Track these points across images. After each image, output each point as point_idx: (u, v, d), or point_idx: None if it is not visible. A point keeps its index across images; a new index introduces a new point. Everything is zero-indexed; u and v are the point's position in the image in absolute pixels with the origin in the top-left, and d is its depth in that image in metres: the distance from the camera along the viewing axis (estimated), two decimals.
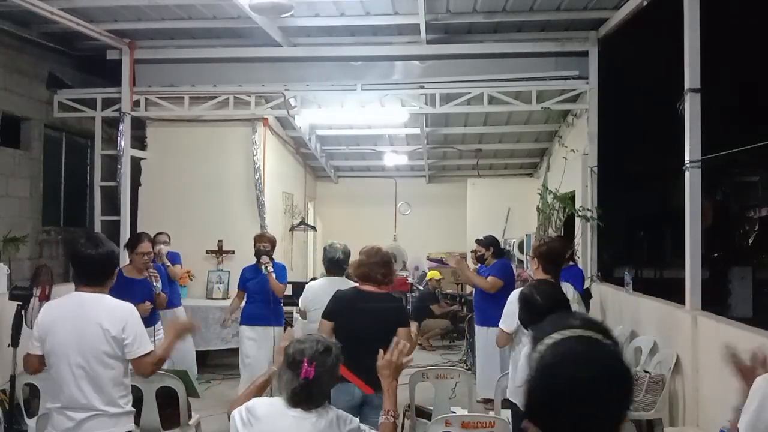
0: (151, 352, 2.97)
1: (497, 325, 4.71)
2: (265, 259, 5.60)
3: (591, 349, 1.26)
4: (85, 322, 2.88)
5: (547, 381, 1.25)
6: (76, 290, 3.00)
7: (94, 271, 2.97)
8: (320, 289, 4.78)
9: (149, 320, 5.09)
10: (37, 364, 2.96)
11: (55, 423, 2.90)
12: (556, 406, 1.23)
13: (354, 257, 4.21)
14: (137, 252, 5.05)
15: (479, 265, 6.54)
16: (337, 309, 3.65)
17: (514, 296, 3.85)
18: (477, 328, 6.22)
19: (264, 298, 5.61)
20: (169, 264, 6.27)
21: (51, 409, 2.92)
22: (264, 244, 5.75)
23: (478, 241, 6.52)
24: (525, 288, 3.23)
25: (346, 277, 4.75)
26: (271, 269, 5.58)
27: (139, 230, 8.03)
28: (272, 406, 2.38)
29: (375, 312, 3.53)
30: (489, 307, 5.83)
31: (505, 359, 5.71)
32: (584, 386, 1.22)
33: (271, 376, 2.68)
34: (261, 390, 2.67)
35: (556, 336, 1.28)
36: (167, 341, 3.15)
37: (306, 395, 2.33)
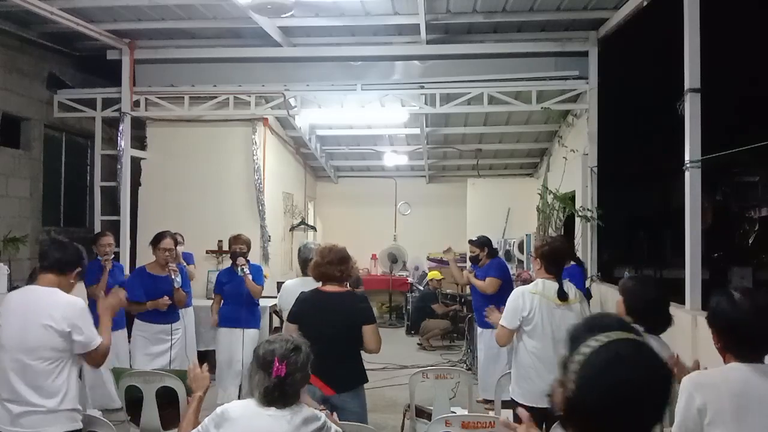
0: (100, 344, 3.04)
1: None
2: (241, 260, 5.60)
3: (638, 352, 1.28)
4: (33, 316, 2.93)
5: (597, 384, 1.25)
6: (36, 281, 3.09)
7: (58, 255, 3.07)
8: (294, 289, 4.83)
9: (169, 317, 5.21)
10: None
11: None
12: (605, 409, 1.24)
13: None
14: (159, 248, 5.20)
15: (472, 265, 6.45)
16: (300, 311, 3.60)
17: (515, 294, 3.84)
18: (478, 330, 6.18)
19: (239, 300, 5.61)
20: (184, 263, 6.32)
21: None
22: (240, 246, 5.76)
23: (471, 242, 6.43)
24: (628, 281, 3.21)
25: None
26: (248, 271, 5.58)
27: (139, 230, 8.09)
28: (246, 408, 2.40)
29: (337, 313, 3.50)
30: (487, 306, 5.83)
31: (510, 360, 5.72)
32: (635, 388, 1.24)
33: (200, 398, 2.72)
34: (197, 413, 2.67)
35: (601, 338, 1.28)
36: (103, 325, 3.18)
37: (279, 393, 2.35)
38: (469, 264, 6.26)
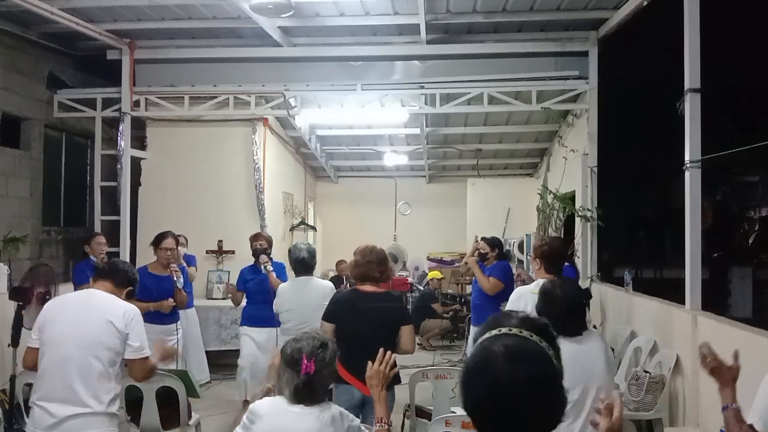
0: (148, 357, 3.05)
1: None
2: (264, 258, 5.59)
3: (516, 349, 1.21)
4: (91, 313, 2.95)
5: (473, 381, 1.23)
6: (93, 286, 3.16)
7: (119, 270, 3.22)
8: (287, 291, 4.85)
9: (170, 317, 5.21)
10: (35, 358, 3.01)
11: (35, 419, 2.89)
12: (483, 406, 1.21)
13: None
14: (161, 247, 5.21)
15: (479, 261, 6.44)
16: (337, 311, 3.64)
17: (516, 294, 3.84)
18: (472, 330, 6.14)
19: (264, 298, 5.54)
20: (185, 264, 6.33)
21: (33, 403, 2.94)
22: (261, 243, 5.75)
23: (484, 239, 6.40)
24: (546, 283, 3.17)
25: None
26: (271, 268, 5.57)
27: (139, 230, 8.09)
28: (273, 405, 2.40)
29: (375, 312, 3.52)
30: (488, 308, 5.85)
31: None
32: (506, 386, 1.18)
33: (268, 392, 2.68)
34: None
35: (487, 335, 1.26)
36: (155, 360, 3.25)
37: (308, 391, 2.36)
38: (475, 257, 6.25)
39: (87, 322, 2.92)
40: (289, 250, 5.03)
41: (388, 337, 3.48)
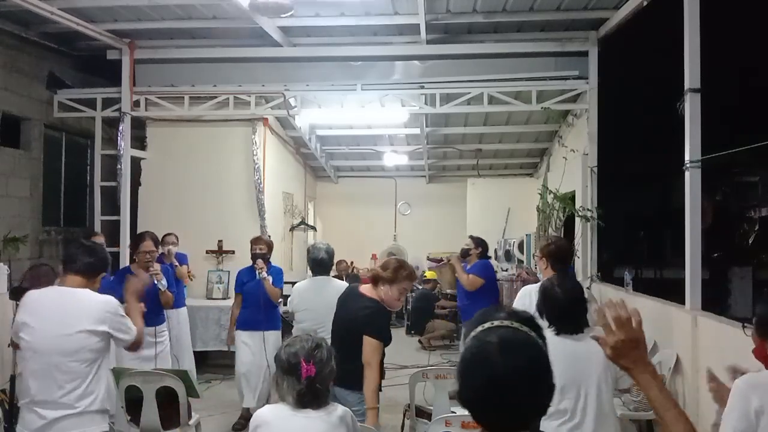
0: (137, 332, 3.12)
1: None
2: (260, 263, 5.50)
3: (510, 340, 1.28)
4: (69, 320, 2.92)
5: (468, 372, 1.29)
6: (61, 281, 3.13)
7: (89, 260, 3.08)
8: (305, 290, 4.84)
9: (152, 319, 5.12)
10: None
11: (25, 421, 2.91)
12: (478, 397, 1.27)
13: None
14: (139, 250, 5.16)
15: (462, 259, 6.48)
16: (338, 302, 3.72)
17: (524, 292, 3.85)
18: (464, 330, 6.22)
19: (257, 302, 5.52)
20: (177, 264, 6.30)
21: (22, 406, 2.95)
22: (260, 247, 5.66)
23: (471, 237, 6.53)
24: (546, 281, 3.18)
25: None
26: (265, 275, 5.50)
27: (139, 230, 8.06)
28: (277, 410, 2.38)
29: (350, 312, 3.55)
30: (472, 307, 5.97)
31: None
32: (502, 376, 1.24)
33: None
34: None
35: (479, 329, 1.32)
36: (133, 310, 3.26)
37: (313, 394, 2.34)
38: (458, 255, 6.34)
39: (68, 330, 2.88)
40: (308, 250, 5.00)
41: (350, 340, 3.40)
